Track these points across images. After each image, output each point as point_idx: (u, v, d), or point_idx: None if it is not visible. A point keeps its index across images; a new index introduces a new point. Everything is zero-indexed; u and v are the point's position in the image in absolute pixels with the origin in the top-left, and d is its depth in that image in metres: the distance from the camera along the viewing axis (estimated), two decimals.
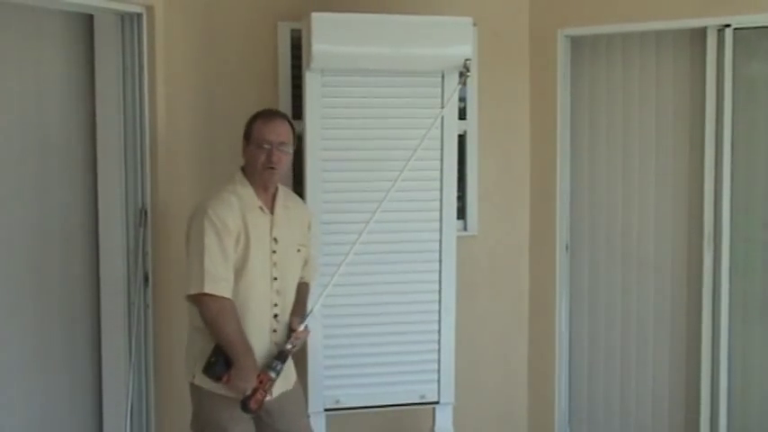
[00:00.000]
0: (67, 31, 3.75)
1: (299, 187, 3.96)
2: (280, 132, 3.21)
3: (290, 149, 3.27)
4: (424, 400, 3.91)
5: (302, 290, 3.40)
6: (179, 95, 3.83)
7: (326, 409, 3.80)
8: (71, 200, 3.79)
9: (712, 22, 4.08)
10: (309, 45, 3.55)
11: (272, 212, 3.25)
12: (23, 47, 3.60)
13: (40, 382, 3.70)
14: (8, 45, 3.55)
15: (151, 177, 3.73)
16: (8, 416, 3.57)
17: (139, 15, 3.69)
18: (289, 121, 3.29)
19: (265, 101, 3.85)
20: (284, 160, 3.23)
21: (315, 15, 3.54)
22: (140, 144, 3.72)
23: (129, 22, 3.71)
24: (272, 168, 3.18)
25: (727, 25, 4.06)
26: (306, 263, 3.42)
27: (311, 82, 3.68)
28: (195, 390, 3.17)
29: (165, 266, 3.74)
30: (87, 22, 3.77)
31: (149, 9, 3.69)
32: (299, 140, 3.88)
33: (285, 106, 4.08)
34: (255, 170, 3.20)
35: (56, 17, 3.68)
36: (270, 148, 3.18)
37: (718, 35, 4.11)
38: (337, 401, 3.81)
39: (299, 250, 3.34)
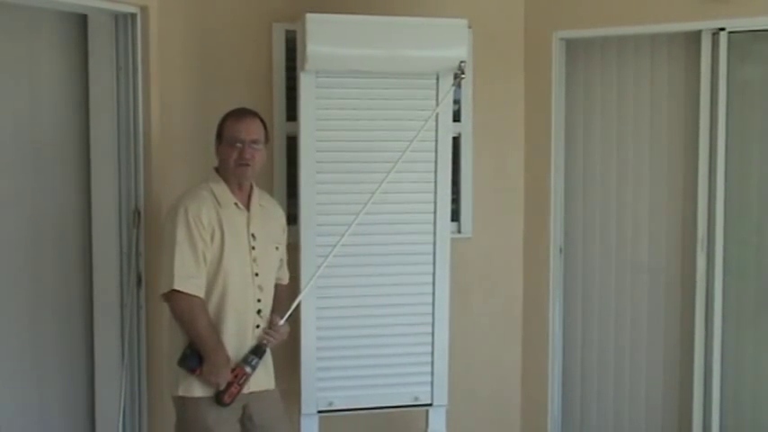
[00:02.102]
0: (61, 31, 3.74)
1: (292, 188, 3.97)
2: (251, 130, 3.25)
3: (263, 146, 3.30)
4: (417, 402, 3.91)
5: (281, 291, 3.45)
6: (173, 96, 3.82)
7: (320, 411, 3.79)
8: (64, 200, 3.78)
9: (707, 25, 4.09)
10: (304, 46, 3.55)
11: (247, 209, 3.27)
12: (17, 46, 3.60)
13: (34, 382, 3.69)
14: (1, 44, 3.53)
15: (145, 178, 3.72)
16: (1, 416, 3.55)
17: (134, 16, 3.68)
18: (260, 119, 3.32)
19: (260, 102, 3.84)
20: (257, 157, 3.26)
21: (309, 17, 3.54)
22: (134, 145, 3.71)
23: (124, 23, 3.70)
24: (246, 165, 3.22)
25: (722, 29, 4.06)
26: (282, 263, 3.46)
27: (306, 83, 3.68)
28: (179, 402, 3.19)
29: (158, 267, 3.73)
30: (81, 21, 3.76)
31: (144, 9, 3.68)
32: (293, 142, 3.90)
33: (279, 107, 4.08)
34: (229, 168, 3.24)
35: (50, 17, 3.67)
36: (242, 146, 3.22)
37: (713, 39, 4.11)
38: (330, 403, 3.80)
39: (276, 248, 3.39)
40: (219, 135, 3.28)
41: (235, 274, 3.18)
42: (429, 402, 3.91)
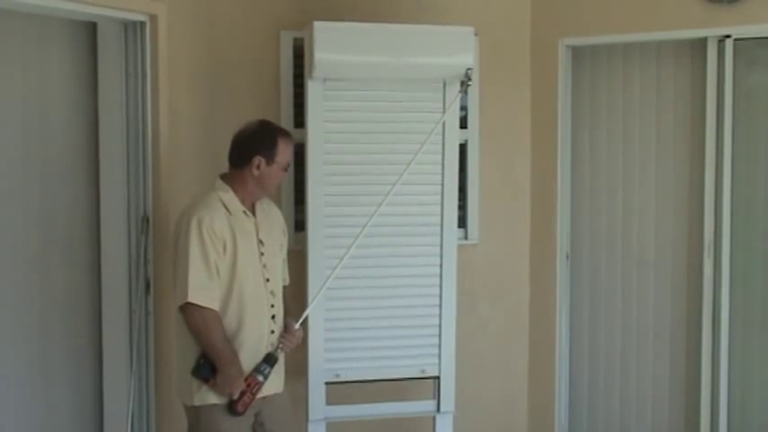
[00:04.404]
0: (71, 39, 3.76)
1: (300, 194, 3.98)
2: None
3: None
4: (424, 375, 3.91)
5: (285, 293, 3.45)
6: (182, 104, 3.84)
7: (327, 383, 3.80)
8: (73, 207, 3.79)
9: (713, 32, 4.10)
10: (312, 54, 3.57)
11: (254, 215, 3.30)
12: (27, 54, 3.61)
13: (42, 388, 3.69)
14: (12, 52, 3.55)
15: (153, 185, 3.73)
16: (8, 422, 3.56)
17: (143, 24, 3.69)
18: None
19: (267, 109, 3.86)
20: None
21: (317, 24, 3.56)
22: (143, 152, 3.72)
23: (133, 31, 3.71)
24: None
25: (728, 36, 4.08)
26: (283, 264, 3.47)
27: (313, 90, 3.70)
28: (193, 411, 3.19)
29: (167, 274, 3.73)
30: (91, 29, 3.78)
31: (153, 18, 3.69)
32: (300, 149, 3.91)
33: (287, 114, 4.10)
34: (270, 188, 3.30)
35: (59, 25, 3.69)
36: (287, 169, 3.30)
37: (719, 46, 4.12)
38: (337, 375, 3.81)
39: (279, 250, 3.41)
40: (271, 155, 3.22)
41: (249, 282, 3.19)
42: (437, 375, 3.90)
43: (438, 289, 3.87)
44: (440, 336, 3.88)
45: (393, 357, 3.87)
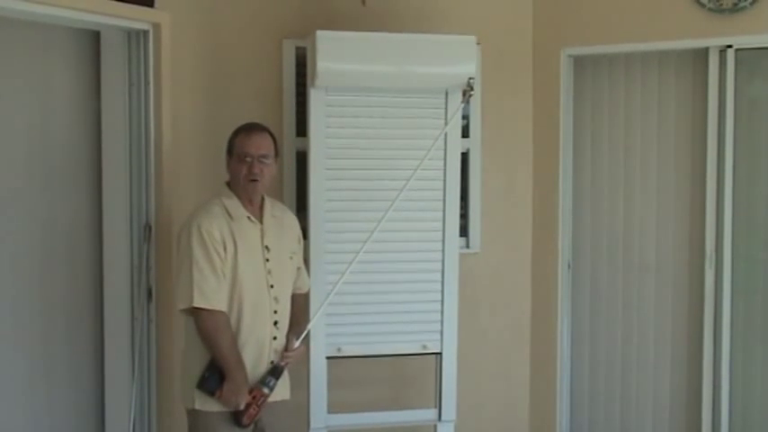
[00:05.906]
0: (74, 48, 3.78)
1: (302, 203, 3.99)
2: (260, 145, 3.26)
3: (272, 161, 3.31)
4: (425, 351, 3.90)
5: (299, 301, 3.46)
6: (184, 112, 3.85)
7: (328, 357, 3.79)
8: (76, 215, 3.80)
9: (714, 42, 4.11)
10: (314, 63, 3.58)
11: (260, 222, 3.29)
12: (31, 63, 3.63)
13: (43, 395, 3.70)
14: (16, 61, 3.57)
15: (156, 193, 3.74)
16: (11, 429, 3.57)
17: (146, 32, 3.71)
18: (269, 133, 3.33)
19: (270, 117, 3.87)
20: (266, 172, 3.27)
21: (320, 33, 3.57)
22: (145, 160, 3.74)
23: (136, 39, 3.73)
24: (255, 180, 3.24)
25: (729, 46, 4.08)
26: (299, 271, 3.47)
27: (316, 99, 3.70)
28: (193, 414, 3.20)
29: (169, 281, 3.75)
30: (94, 38, 3.80)
31: (156, 26, 3.71)
32: (303, 157, 3.93)
33: (289, 123, 4.11)
34: (239, 183, 3.25)
35: (63, 33, 3.71)
36: (251, 161, 3.23)
37: (720, 56, 4.13)
38: (339, 350, 3.80)
39: (291, 258, 3.40)
40: (230, 150, 3.30)
41: (250, 287, 3.20)
42: (438, 351, 3.89)
43: (440, 282, 3.87)
44: (442, 312, 3.87)
45: (394, 333, 3.85)
